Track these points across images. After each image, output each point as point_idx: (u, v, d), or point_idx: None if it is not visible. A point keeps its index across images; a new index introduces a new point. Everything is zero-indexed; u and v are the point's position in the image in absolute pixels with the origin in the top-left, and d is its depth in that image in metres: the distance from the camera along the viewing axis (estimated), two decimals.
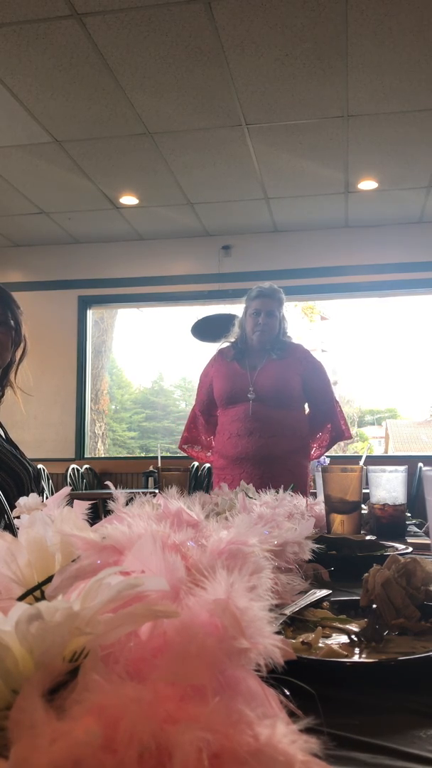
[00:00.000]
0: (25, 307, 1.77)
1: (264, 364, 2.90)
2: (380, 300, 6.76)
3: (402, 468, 1.73)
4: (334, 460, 4.87)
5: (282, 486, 1.62)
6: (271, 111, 4.16)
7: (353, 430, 12.25)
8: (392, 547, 1.35)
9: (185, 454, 3.22)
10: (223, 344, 3.09)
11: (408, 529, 1.88)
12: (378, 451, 12.13)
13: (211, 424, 3.02)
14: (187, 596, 0.34)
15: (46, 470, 5.29)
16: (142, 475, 5.92)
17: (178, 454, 8.56)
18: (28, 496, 0.68)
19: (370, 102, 4.07)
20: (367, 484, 1.69)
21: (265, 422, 2.81)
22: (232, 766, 0.26)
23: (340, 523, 1.54)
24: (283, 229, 6.12)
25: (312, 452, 3.00)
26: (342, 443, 3.51)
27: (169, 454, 7.75)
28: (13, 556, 0.43)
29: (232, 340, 3.06)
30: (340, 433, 2.99)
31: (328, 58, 3.66)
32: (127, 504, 0.66)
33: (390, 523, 1.69)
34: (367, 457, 2.45)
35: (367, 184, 5.19)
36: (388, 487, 1.70)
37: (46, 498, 0.65)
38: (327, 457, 3.84)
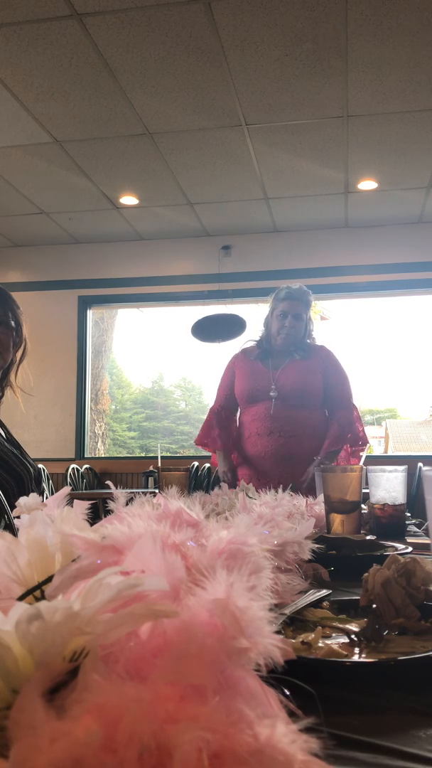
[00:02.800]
0: (25, 307, 1.77)
1: (287, 364, 2.89)
2: (380, 300, 6.76)
3: (402, 468, 1.73)
4: None
5: (282, 485, 1.62)
6: (271, 111, 4.16)
7: None
8: (392, 547, 1.35)
9: (186, 454, 3.22)
10: (247, 343, 3.09)
11: (408, 529, 1.88)
12: (378, 450, 12.12)
13: (226, 423, 3.00)
14: (187, 596, 0.34)
15: (46, 470, 5.29)
16: (142, 475, 5.92)
17: (178, 454, 8.57)
18: (28, 495, 0.68)
19: (370, 102, 4.06)
20: (366, 484, 1.69)
21: (286, 422, 2.79)
22: (232, 766, 0.26)
23: (340, 523, 1.54)
24: (283, 229, 6.12)
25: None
26: None
27: (169, 454, 7.75)
28: (13, 555, 0.43)
29: (257, 338, 3.05)
30: (359, 439, 2.95)
31: (328, 58, 3.66)
32: (127, 504, 0.66)
33: (390, 523, 1.69)
34: (367, 457, 2.45)
35: (367, 184, 5.19)
36: (388, 487, 1.70)
37: (46, 498, 0.65)
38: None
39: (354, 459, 2.96)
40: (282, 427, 2.79)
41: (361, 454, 2.98)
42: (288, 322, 2.89)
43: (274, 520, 1.01)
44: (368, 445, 3.02)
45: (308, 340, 2.97)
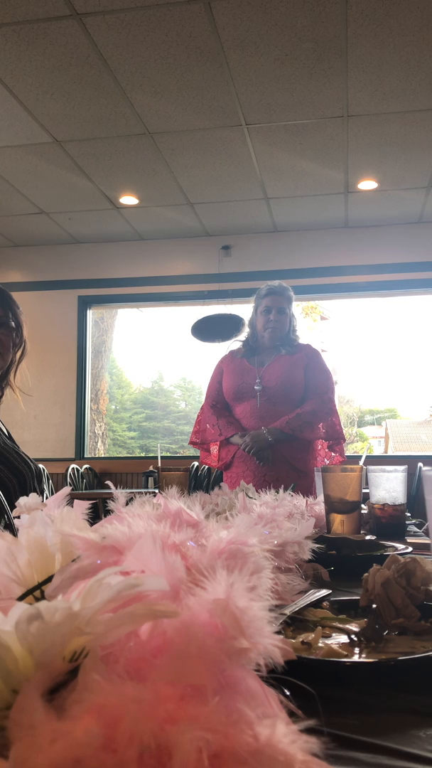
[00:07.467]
0: (25, 307, 1.77)
1: (273, 360, 2.95)
2: (380, 300, 6.76)
3: (402, 468, 1.73)
4: None
5: (283, 486, 1.63)
6: (271, 111, 4.16)
7: (353, 430, 12.25)
8: (392, 547, 1.35)
9: (186, 454, 3.23)
10: (233, 344, 3.16)
11: (408, 529, 1.88)
12: (378, 450, 12.12)
13: (224, 413, 3.01)
14: (187, 596, 0.34)
15: (46, 470, 5.29)
16: (142, 475, 5.92)
17: (178, 454, 8.57)
18: (29, 494, 0.68)
19: (370, 102, 4.06)
20: (366, 484, 1.69)
21: (271, 419, 2.83)
22: (232, 766, 0.26)
23: (340, 523, 1.54)
24: (283, 229, 6.12)
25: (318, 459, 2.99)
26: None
27: (169, 454, 7.75)
28: (13, 556, 0.43)
29: (243, 339, 3.12)
30: (335, 433, 2.98)
31: (328, 58, 3.66)
32: (127, 504, 0.66)
33: (390, 523, 1.69)
34: (367, 457, 2.45)
35: (367, 184, 5.19)
36: (388, 487, 1.70)
37: (46, 498, 0.65)
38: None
39: (336, 456, 2.96)
40: (268, 423, 2.82)
41: (336, 449, 2.98)
42: (273, 316, 2.97)
43: (275, 520, 1.01)
44: (369, 445, 3.03)
45: (293, 336, 3.03)
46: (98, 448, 8.40)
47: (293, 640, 0.67)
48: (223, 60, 3.66)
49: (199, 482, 5.51)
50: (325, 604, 0.81)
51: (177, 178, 5.07)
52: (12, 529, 1.32)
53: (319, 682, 0.48)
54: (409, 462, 3.02)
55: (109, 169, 4.93)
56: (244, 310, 5.86)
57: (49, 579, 0.39)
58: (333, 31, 3.45)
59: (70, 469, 5.62)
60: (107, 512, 0.64)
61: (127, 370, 12.88)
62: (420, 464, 4.50)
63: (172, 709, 0.27)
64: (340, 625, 0.73)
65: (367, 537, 1.46)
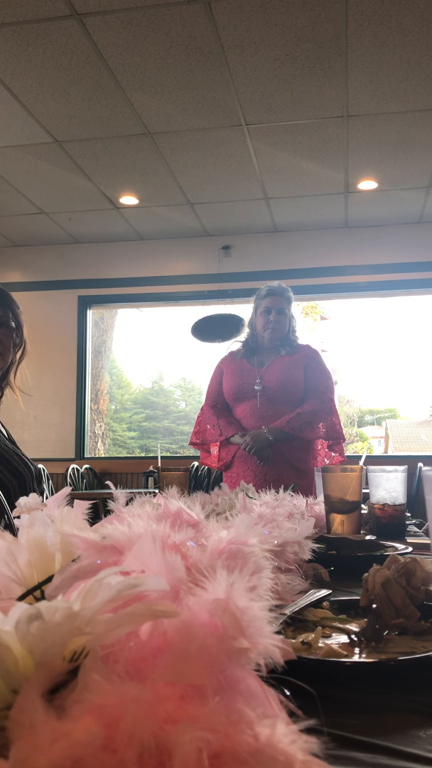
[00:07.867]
0: (25, 307, 1.77)
1: (273, 360, 2.96)
2: (380, 300, 6.76)
3: (402, 468, 1.73)
4: None
5: (283, 485, 1.63)
6: (271, 111, 4.16)
7: (353, 430, 12.25)
8: (392, 547, 1.35)
9: (186, 454, 3.23)
10: (233, 345, 3.16)
11: (408, 529, 1.88)
12: (378, 450, 12.12)
13: (224, 413, 3.01)
14: (187, 596, 0.34)
15: (46, 470, 5.29)
16: (142, 475, 5.92)
17: (178, 454, 8.57)
18: (29, 495, 0.68)
19: (370, 102, 4.06)
20: (366, 484, 1.69)
21: (272, 419, 2.83)
22: (232, 766, 0.26)
23: (340, 523, 1.54)
24: (283, 229, 6.12)
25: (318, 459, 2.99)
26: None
27: (169, 454, 7.75)
28: (13, 556, 0.43)
29: (243, 339, 3.13)
30: (335, 433, 2.98)
31: (328, 58, 3.66)
32: (127, 504, 0.66)
33: (390, 523, 1.69)
34: (367, 456, 2.45)
35: (367, 184, 5.19)
36: (388, 487, 1.70)
37: (46, 498, 0.65)
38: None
39: (336, 456, 2.97)
40: (268, 423, 2.82)
41: (336, 449, 2.98)
42: (272, 316, 2.98)
43: (275, 520, 1.01)
44: (369, 445, 3.04)
45: (292, 336, 3.04)
46: (98, 448, 8.40)
47: (293, 640, 0.67)
48: (223, 60, 3.66)
49: (199, 482, 5.51)
50: (325, 604, 0.81)
51: (177, 178, 5.07)
52: (12, 530, 1.32)
53: (319, 682, 0.48)
54: (409, 462, 3.02)
55: (109, 169, 4.93)
56: (244, 310, 5.86)
57: (49, 579, 0.39)
58: (333, 31, 3.45)
59: (70, 469, 5.62)
60: (107, 512, 0.64)
61: (127, 370, 12.89)
62: (420, 464, 4.50)
63: (172, 709, 0.27)
64: (340, 625, 0.73)
65: (367, 537, 1.46)
